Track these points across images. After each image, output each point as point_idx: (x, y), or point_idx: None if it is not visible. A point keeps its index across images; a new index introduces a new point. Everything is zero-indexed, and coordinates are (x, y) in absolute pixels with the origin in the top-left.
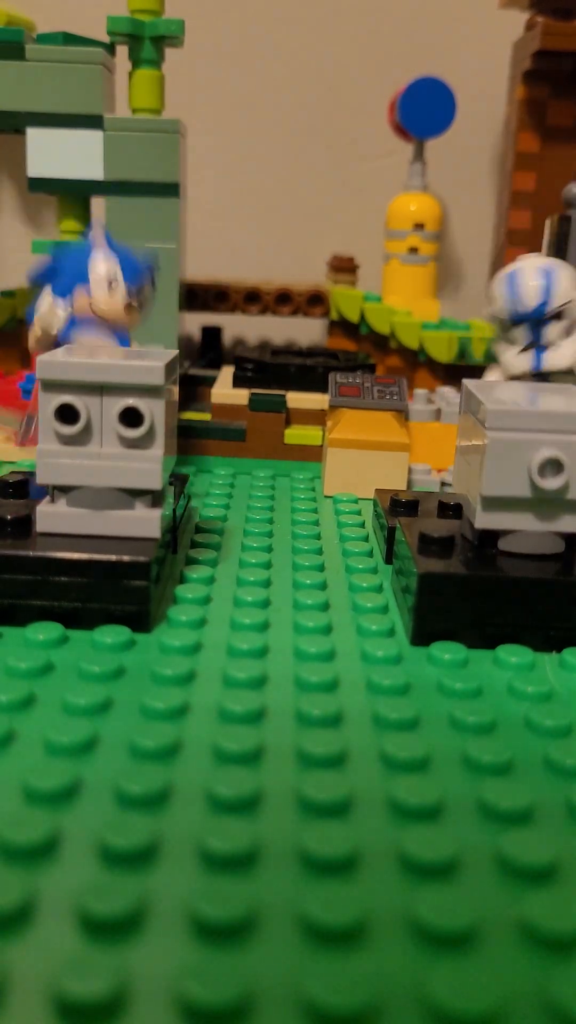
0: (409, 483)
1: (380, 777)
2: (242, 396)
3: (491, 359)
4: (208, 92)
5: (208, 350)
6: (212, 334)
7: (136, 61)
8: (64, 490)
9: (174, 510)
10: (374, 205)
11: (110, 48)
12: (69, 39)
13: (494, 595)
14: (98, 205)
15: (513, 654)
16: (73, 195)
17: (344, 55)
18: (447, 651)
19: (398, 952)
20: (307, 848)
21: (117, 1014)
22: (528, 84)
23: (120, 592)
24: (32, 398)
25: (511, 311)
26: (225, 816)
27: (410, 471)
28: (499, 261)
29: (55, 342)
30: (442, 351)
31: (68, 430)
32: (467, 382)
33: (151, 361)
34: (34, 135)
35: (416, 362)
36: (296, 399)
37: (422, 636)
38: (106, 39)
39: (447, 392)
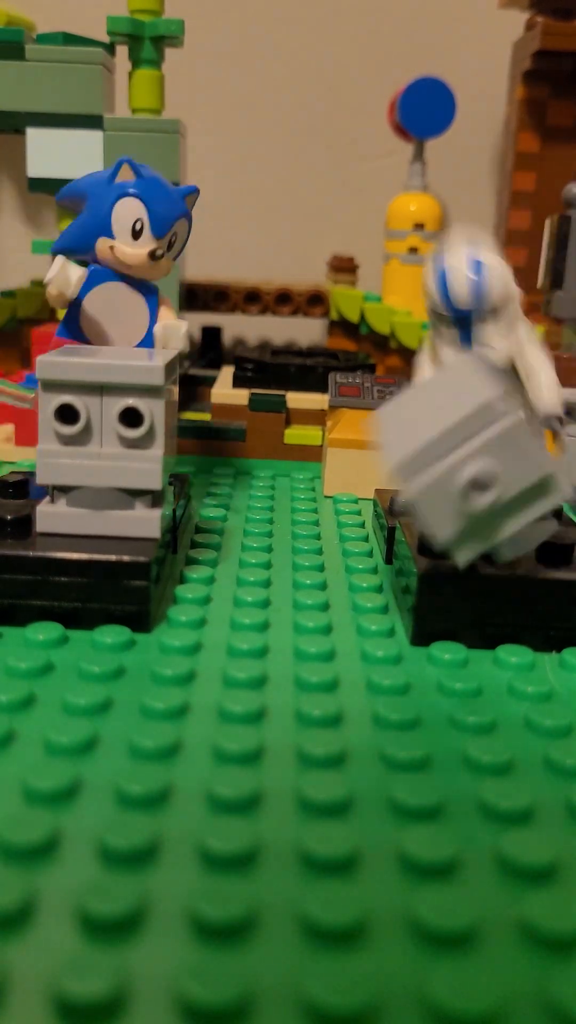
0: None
1: (380, 777)
2: (242, 396)
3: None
4: (208, 92)
5: (208, 350)
6: (212, 334)
7: (136, 61)
8: (64, 490)
9: (174, 510)
10: (374, 205)
11: (110, 48)
12: (69, 39)
13: (494, 595)
14: None
15: (513, 654)
16: None
17: (344, 55)
18: (447, 651)
19: (398, 952)
20: (307, 848)
21: (117, 1014)
22: (528, 84)
23: (120, 592)
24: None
25: (443, 308)
26: (225, 816)
27: None
28: None
29: (74, 301)
30: None
31: (68, 430)
32: (379, 414)
33: (151, 361)
34: (34, 135)
35: None
36: (296, 399)
37: (422, 636)
38: (106, 39)
39: None
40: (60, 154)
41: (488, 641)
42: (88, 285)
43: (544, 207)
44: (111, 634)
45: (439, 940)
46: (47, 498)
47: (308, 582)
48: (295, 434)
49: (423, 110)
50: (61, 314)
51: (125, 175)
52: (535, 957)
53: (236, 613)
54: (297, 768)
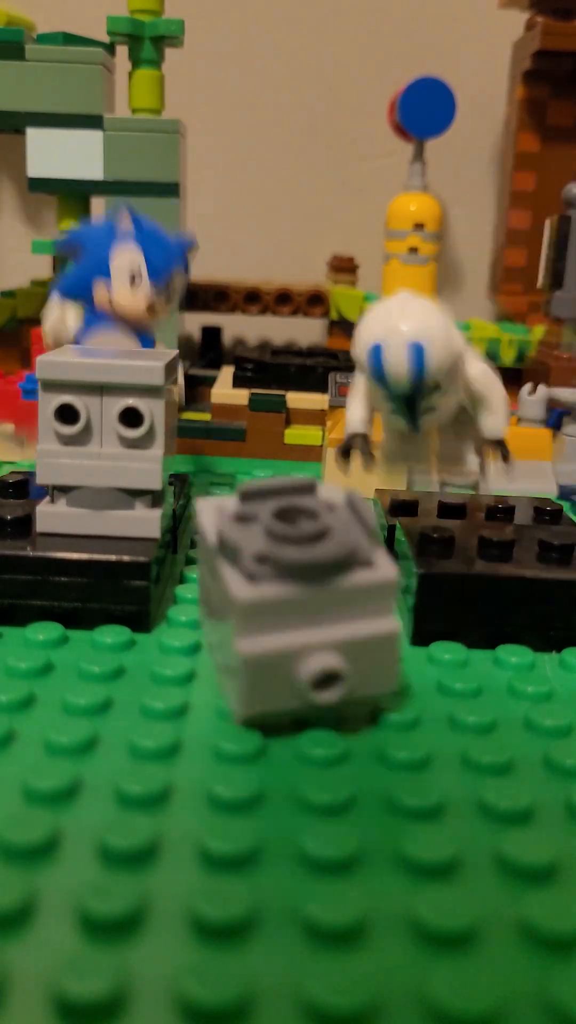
0: (409, 483)
1: (380, 777)
2: (242, 396)
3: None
4: (208, 92)
5: (208, 350)
6: (212, 334)
7: (136, 61)
8: (64, 490)
9: (174, 510)
10: (374, 205)
11: (110, 48)
12: (69, 39)
13: (494, 595)
14: (98, 205)
15: (513, 654)
16: (73, 195)
17: (344, 55)
18: (447, 651)
19: (398, 952)
20: (307, 848)
21: (117, 1014)
22: (528, 84)
23: (120, 592)
24: None
25: (379, 385)
26: (225, 816)
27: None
28: (499, 261)
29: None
30: None
31: (68, 430)
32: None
33: (151, 361)
34: (34, 135)
35: None
36: (296, 399)
37: (422, 636)
38: (106, 39)
39: None
40: (60, 154)
41: (488, 641)
42: (85, 330)
43: (544, 207)
44: (111, 634)
45: (439, 940)
46: (47, 498)
47: None
48: (295, 434)
49: (423, 110)
50: None
51: (124, 222)
52: (535, 957)
53: None
54: (297, 768)
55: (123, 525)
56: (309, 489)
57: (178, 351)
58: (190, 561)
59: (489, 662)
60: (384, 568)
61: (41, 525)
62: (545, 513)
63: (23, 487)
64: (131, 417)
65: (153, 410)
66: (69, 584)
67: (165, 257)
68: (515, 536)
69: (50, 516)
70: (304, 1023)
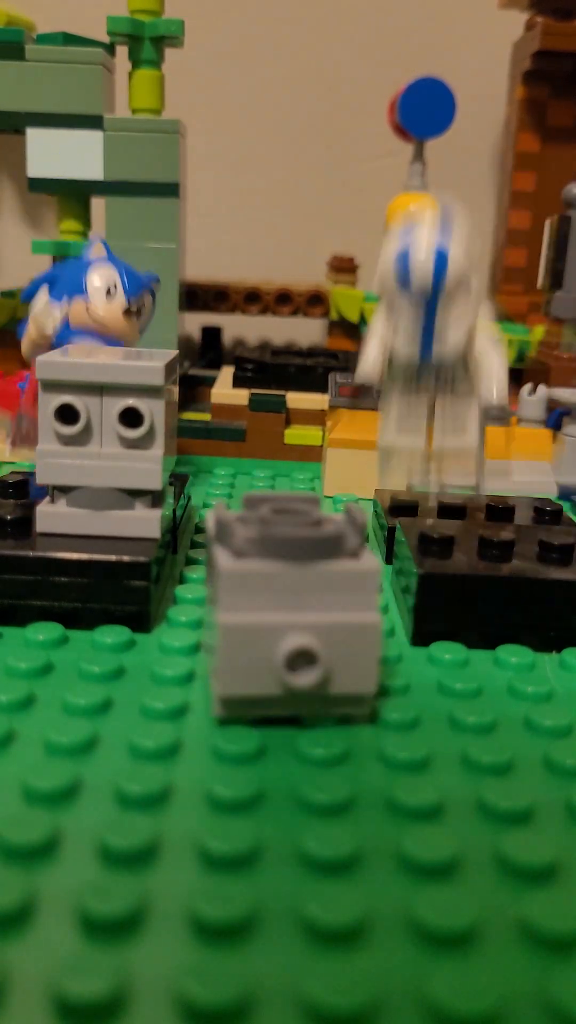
0: (409, 484)
1: (380, 777)
2: (242, 396)
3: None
4: (208, 92)
5: (208, 350)
6: (212, 334)
7: (136, 61)
8: (64, 490)
9: (174, 510)
10: (374, 205)
11: (110, 48)
12: (69, 39)
13: (494, 595)
14: (98, 205)
15: (513, 654)
16: (73, 195)
17: (344, 55)
18: (447, 651)
19: (398, 952)
20: (307, 848)
21: (117, 1014)
22: (528, 84)
23: (120, 592)
24: (26, 395)
25: (403, 290)
26: (225, 816)
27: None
28: (499, 261)
29: (50, 345)
30: None
31: (68, 430)
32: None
33: (151, 361)
34: (34, 135)
35: None
36: (296, 399)
37: (422, 636)
38: (106, 39)
39: None
40: (60, 154)
41: (488, 641)
42: (60, 341)
43: (544, 207)
44: (111, 634)
45: (439, 940)
46: (47, 498)
47: None
48: (295, 434)
49: (423, 110)
50: None
51: (96, 250)
52: (535, 957)
53: None
54: (297, 768)
55: (123, 525)
56: (312, 501)
57: (178, 351)
58: (190, 561)
59: (489, 662)
60: (368, 561)
61: (41, 525)
62: (545, 513)
63: (23, 487)
64: (131, 417)
65: (153, 410)
66: (69, 584)
67: (136, 276)
68: (515, 536)
69: (50, 516)
70: (304, 1023)
